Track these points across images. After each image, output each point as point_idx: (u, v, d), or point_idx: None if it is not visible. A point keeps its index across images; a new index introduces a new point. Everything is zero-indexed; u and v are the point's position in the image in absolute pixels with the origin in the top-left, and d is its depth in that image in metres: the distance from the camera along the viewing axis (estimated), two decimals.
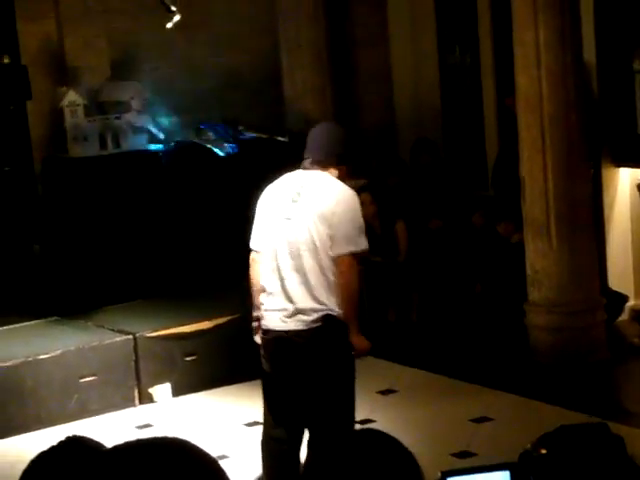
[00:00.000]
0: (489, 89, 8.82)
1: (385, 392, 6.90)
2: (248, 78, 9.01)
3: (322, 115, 8.95)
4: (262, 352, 4.94)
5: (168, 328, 7.12)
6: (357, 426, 6.20)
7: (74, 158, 8.06)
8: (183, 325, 7.16)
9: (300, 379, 4.83)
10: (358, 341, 4.83)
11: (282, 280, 4.80)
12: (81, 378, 6.79)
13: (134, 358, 6.96)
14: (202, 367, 7.13)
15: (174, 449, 1.87)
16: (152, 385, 7.00)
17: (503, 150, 8.32)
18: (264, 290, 4.88)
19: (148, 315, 7.46)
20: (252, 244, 5.04)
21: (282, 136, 8.79)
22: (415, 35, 9.25)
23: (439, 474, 2.10)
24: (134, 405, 6.94)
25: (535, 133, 6.94)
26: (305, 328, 4.75)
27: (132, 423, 6.69)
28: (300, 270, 4.76)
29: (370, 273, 8.01)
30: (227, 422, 6.59)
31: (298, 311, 4.77)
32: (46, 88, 8.14)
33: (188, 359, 7.11)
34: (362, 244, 4.81)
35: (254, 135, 8.74)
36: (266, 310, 4.87)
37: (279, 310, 4.81)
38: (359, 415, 6.45)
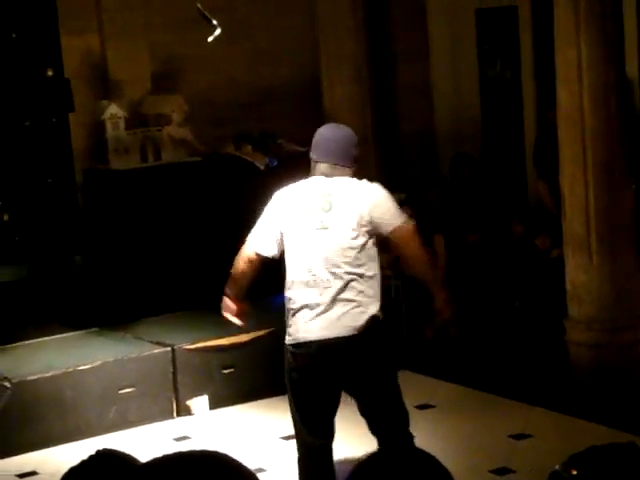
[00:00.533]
0: (530, 103, 8.79)
1: (423, 407, 6.88)
2: (288, 91, 9.04)
3: (361, 128, 8.96)
4: (295, 365, 4.90)
5: (206, 340, 7.14)
6: None
7: (115, 170, 8.11)
8: (221, 338, 7.18)
9: (348, 380, 4.84)
10: (441, 306, 4.86)
11: (322, 289, 4.77)
12: (120, 389, 6.83)
13: (172, 370, 6.98)
14: (239, 380, 7.13)
15: (212, 462, 1.87)
16: (190, 397, 7.02)
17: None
18: (296, 301, 4.85)
19: (187, 327, 7.48)
20: (257, 246, 4.99)
21: None
22: (456, 49, 9.24)
23: None
24: (172, 417, 6.96)
25: (576, 148, 6.90)
26: (351, 334, 4.74)
27: (170, 435, 6.71)
28: (340, 278, 4.75)
29: (408, 287, 7.98)
30: (264, 435, 6.59)
31: (339, 317, 4.75)
32: (88, 101, 8.21)
33: (225, 372, 7.13)
34: (407, 219, 4.86)
35: (293, 148, 8.77)
36: (305, 322, 4.84)
37: (318, 318, 4.78)
38: None
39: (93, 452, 2.17)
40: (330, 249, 4.76)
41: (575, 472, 2.04)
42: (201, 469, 1.80)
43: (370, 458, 2.09)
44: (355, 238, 4.74)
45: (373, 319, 4.75)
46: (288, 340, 4.91)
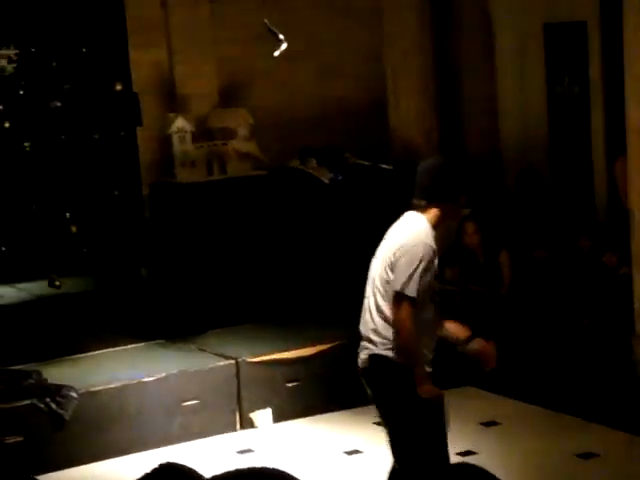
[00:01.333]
0: (598, 120, 8.69)
1: (488, 424, 6.82)
2: (353, 105, 9.05)
3: (427, 143, 8.94)
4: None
5: (271, 354, 7.14)
6: (457, 459, 6.13)
7: (181, 183, 8.17)
8: (286, 351, 7.18)
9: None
10: (422, 391, 4.61)
11: (362, 317, 4.77)
12: (183, 402, 6.85)
13: (236, 383, 6.99)
14: (303, 393, 7.13)
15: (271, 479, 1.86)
16: (253, 410, 7.03)
17: None
18: None
19: (251, 340, 7.50)
20: None
21: (387, 164, 8.79)
22: (523, 64, 9.17)
23: None
24: (235, 430, 6.98)
25: None
26: (361, 366, 4.74)
27: (233, 448, 6.72)
28: (369, 307, 4.72)
29: (471, 303, 7.93)
30: (327, 450, 6.57)
31: (362, 347, 4.75)
32: (156, 115, 8.29)
33: (290, 385, 7.13)
34: (408, 291, 4.56)
35: (358, 162, 8.77)
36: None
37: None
38: (460, 447, 6.39)
39: (157, 465, 2.16)
40: (371, 277, 4.75)
41: None
42: None
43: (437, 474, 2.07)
44: (383, 270, 4.67)
45: (377, 356, 4.67)
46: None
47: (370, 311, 4.71)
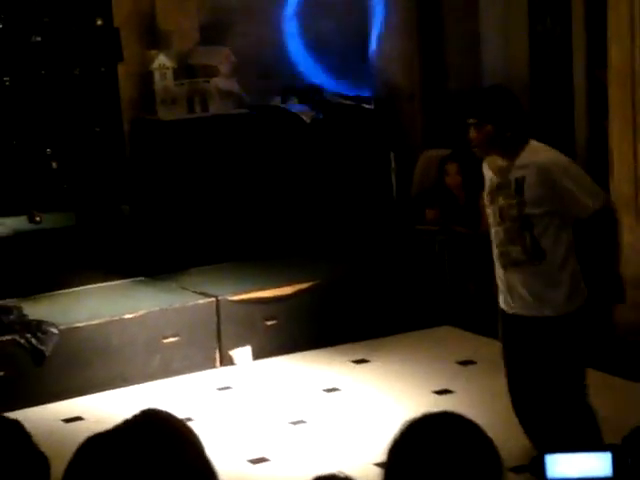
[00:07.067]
0: (580, 60, 8.68)
1: (464, 363, 6.90)
2: (335, 44, 8.99)
3: (409, 81, 8.91)
4: None
5: (250, 292, 7.19)
6: (434, 401, 6.22)
7: (162, 120, 8.14)
8: (265, 289, 7.23)
9: None
10: None
11: None
12: (164, 338, 6.90)
13: (216, 320, 7.05)
14: (282, 332, 7.19)
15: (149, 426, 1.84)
16: (233, 348, 7.09)
17: None
18: None
19: (232, 278, 7.54)
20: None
21: (368, 103, 8.78)
22: (506, 2, 9.12)
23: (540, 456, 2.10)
24: (215, 367, 7.03)
25: (626, 107, 6.82)
26: None
27: (213, 385, 6.78)
28: None
29: (452, 243, 7.98)
30: (306, 387, 6.64)
31: None
32: (137, 51, 8.22)
33: (269, 323, 7.18)
34: None
35: (340, 102, 8.75)
36: None
37: None
38: (437, 385, 6.48)
39: (138, 411, 2.07)
40: None
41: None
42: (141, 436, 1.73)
43: (413, 423, 2.11)
44: None
45: None
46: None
47: None
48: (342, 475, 1.89)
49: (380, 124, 8.69)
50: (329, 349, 7.13)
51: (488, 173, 4.95)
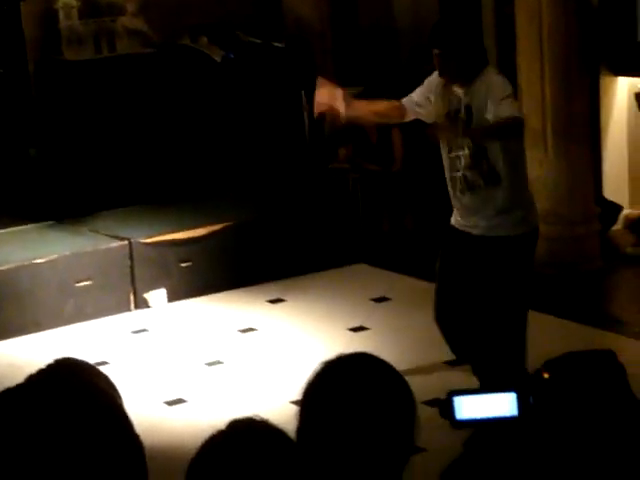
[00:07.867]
0: None
1: (379, 300, 6.95)
2: None
3: (319, 18, 8.85)
4: None
5: (163, 234, 7.13)
6: (349, 338, 6.27)
7: (68, 60, 7.98)
8: (178, 231, 7.18)
9: None
10: None
11: None
12: (77, 282, 6.82)
13: (129, 263, 6.98)
14: (197, 273, 7.16)
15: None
16: (147, 290, 7.04)
17: None
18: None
19: (144, 221, 7.47)
20: None
21: (279, 41, 8.70)
22: None
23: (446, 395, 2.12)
24: (129, 310, 6.99)
25: (533, 42, 6.87)
26: None
27: (128, 328, 6.74)
28: None
29: (365, 181, 8.00)
30: (221, 328, 6.64)
31: None
32: None
33: (183, 265, 7.14)
34: None
35: (250, 40, 8.65)
36: None
37: None
38: (352, 323, 6.52)
39: (52, 360, 2.04)
40: None
41: (547, 375, 2.07)
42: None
43: (328, 365, 2.11)
44: None
45: None
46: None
47: None
48: (258, 418, 1.88)
49: (291, 62, 8.63)
50: (244, 290, 7.13)
51: (453, 99, 4.98)
